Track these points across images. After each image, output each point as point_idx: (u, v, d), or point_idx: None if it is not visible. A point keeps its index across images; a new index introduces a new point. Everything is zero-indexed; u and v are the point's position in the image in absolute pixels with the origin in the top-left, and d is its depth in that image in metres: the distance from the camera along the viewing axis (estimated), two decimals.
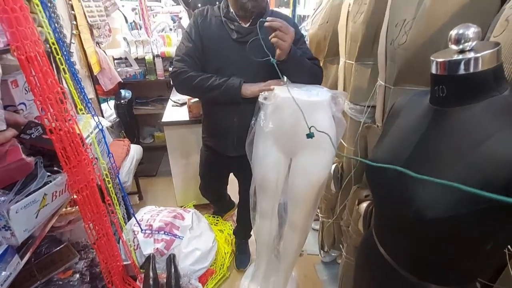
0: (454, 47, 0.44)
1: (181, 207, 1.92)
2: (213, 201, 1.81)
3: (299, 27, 1.25)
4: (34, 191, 0.76)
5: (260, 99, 1.01)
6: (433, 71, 0.47)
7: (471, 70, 0.42)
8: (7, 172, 0.73)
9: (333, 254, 1.63)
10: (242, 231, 1.64)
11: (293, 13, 2.70)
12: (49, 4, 0.96)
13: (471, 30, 0.42)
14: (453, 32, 0.43)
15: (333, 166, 1.34)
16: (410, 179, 0.50)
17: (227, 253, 1.65)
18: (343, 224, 1.34)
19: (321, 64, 1.43)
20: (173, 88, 2.32)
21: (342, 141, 1.26)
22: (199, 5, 1.58)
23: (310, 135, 0.89)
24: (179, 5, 2.53)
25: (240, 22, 1.10)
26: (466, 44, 0.43)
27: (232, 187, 1.62)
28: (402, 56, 0.78)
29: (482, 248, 0.46)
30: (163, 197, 2.17)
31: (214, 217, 1.91)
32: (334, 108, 0.98)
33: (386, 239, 0.61)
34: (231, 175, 1.52)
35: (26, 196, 0.74)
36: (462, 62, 0.43)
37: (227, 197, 1.84)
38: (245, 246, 1.68)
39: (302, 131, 0.99)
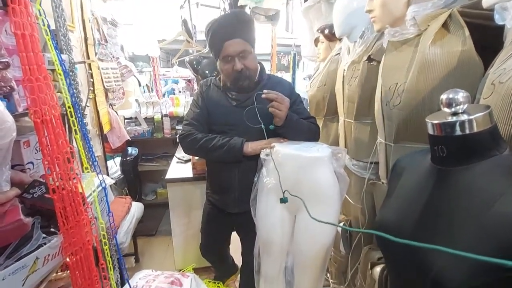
0: (447, 110, 0.46)
1: (180, 270, 1.79)
2: (214, 262, 1.68)
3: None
4: (25, 255, 0.72)
5: (262, 155, 1.04)
6: (430, 132, 0.48)
7: (467, 131, 0.44)
8: (3, 234, 0.71)
9: None
10: None
11: (293, 76, 2.94)
12: (71, 73, 1.06)
13: (460, 95, 0.44)
14: (444, 97, 0.46)
15: (341, 223, 1.28)
16: (426, 241, 0.47)
17: None
18: None
19: (322, 123, 1.51)
20: (179, 145, 2.40)
21: (348, 198, 1.23)
22: (207, 71, 1.74)
23: (283, 200, 0.91)
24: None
25: (236, 93, 1.20)
26: (458, 107, 0.45)
27: (235, 250, 1.53)
28: (398, 116, 0.82)
29: None
30: (161, 258, 2.04)
31: (215, 282, 1.75)
32: (335, 164, 0.99)
33: None
34: (234, 235, 1.45)
35: (17, 260, 0.70)
36: (457, 124, 0.44)
37: (230, 259, 1.72)
38: None
39: (305, 185, 0.98)
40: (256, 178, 1.09)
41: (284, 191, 0.90)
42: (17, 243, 0.74)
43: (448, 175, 0.47)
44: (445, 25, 0.74)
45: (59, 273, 1.11)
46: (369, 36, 1.07)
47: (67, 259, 0.87)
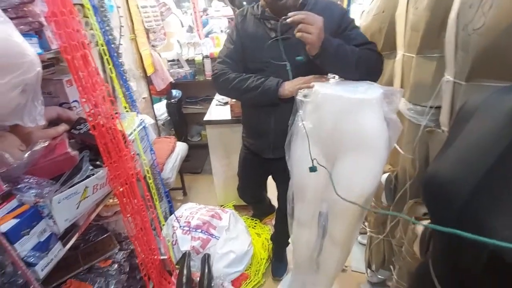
0: None
1: (221, 206, 1.93)
2: (251, 203, 1.77)
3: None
4: (76, 183, 0.80)
5: (299, 97, 0.92)
6: None
7: None
8: (54, 164, 0.79)
9: (380, 277, 1.44)
10: (280, 238, 1.56)
11: (348, 7, 2.51)
12: (101, 9, 1.03)
13: None
14: None
15: (385, 175, 1.17)
16: (485, 208, 0.37)
17: (263, 259, 1.59)
18: (395, 243, 1.17)
19: None
20: None
21: (397, 147, 1.09)
22: (244, 3, 1.55)
23: (312, 169, 0.80)
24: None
25: (278, 19, 1.02)
26: None
27: (273, 191, 1.56)
28: (478, 44, 0.62)
29: None
30: (206, 194, 2.22)
31: (253, 219, 1.87)
32: (387, 108, 0.84)
33: (446, 275, 0.48)
34: (270, 178, 1.45)
35: (69, 187, 0.78)
36: None
37: (267, 201, 1.78)
38: (283, 253, 1.60)
39: (346, 132, 0.87)
40: (290, 121, 1.01)
41: (313, 159, 0.80)
42: (69, 173, 0.83)
43: None
44: None
45: (115, 200, 1.27)
46: None
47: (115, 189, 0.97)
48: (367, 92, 0.86)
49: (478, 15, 0.63)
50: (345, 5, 2.53)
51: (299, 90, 0.95)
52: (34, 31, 0.72)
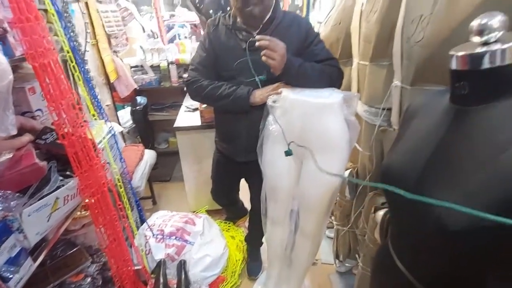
0: (476, 39, 0.40)
1: (194, 212, 1.92)
2: (225, 206, 1.79)
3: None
4: (46, 195, 0.77)
5: (269, 102, 0.99)
6: (453, 66, 0.43)
7: (497, 63, 0.38)
8: (22, 176, 0.75)
9: (348, 265, 1.56)
10: (254, 238, 1.61)
11: (307, 18, 2.68)
12: (65, 14, 0.99)
13: (497, 19, 0.38)
14: (475, 23, 0.39)
15: (347, 171, 1.29)
16: (430, 186, 0.46)
17: (239, 260, 1.62)
18: (359, 232, 1.28)
19: None
20: (187, 93, 2.36)
21: (356, 145, 1.21)
22: (211, 11, 1.60)
23: (288, 153, 0.87)
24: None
25: (249, 30, 1.09)
26: (490, 35, 0.39)
27: (246, 193, 1.60)
28: (419, 54, 0.74)
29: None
30: (177, 201, 2.19)
31: (226, 223, 1.89)
32: (346, 111, 0.94)
33: (403, 251, 0.56)
34: (243, 181, 1.50)
35: (39, 199, 0.75)
36: (487, 55, 0.39)
37: (239, 203, 1.82)
38: (257, 253, 1.65)
39: (312, 133, 0.96)
40: (261, 126, 1.07)
41: (290, 142, 0.88)
42: (37, 184, 0.79)
43: (466, 115, 0.43)
44: None
45: (83, 212, 1.21)
46: None
47: (86, 200, 0.94)
48: (330, 97, 0.95)
49: (418, 30, 0.75)
50: (304, 13, 2.71)
51: (269, 97, 1.02)
52: None
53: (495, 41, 0.39)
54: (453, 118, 0.45)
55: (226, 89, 1.10)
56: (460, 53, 0.41)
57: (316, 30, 1.19)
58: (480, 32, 0.39)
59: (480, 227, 0.38)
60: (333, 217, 1.57)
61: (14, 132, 0.64)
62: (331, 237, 1.73)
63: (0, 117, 0.58)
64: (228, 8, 1.21)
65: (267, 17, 1.08)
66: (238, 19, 1.11)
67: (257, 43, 0.95)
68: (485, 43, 0.39)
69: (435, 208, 0.43)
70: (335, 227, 1.54)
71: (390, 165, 0.57)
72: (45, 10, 0.88)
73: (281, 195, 1.13)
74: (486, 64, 0.39)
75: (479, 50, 0.39)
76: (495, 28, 0.38)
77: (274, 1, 1.08)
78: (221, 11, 1.55)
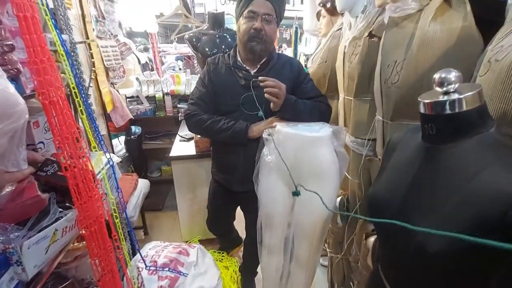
0: (438, 89, 0.48)
1: (187, 242, 1.90)
2: (220, 235, 1.78)
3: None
4: (45, 227, 0.78)
5: (264, 135, 1.06)
6: (422, 111, 0.51)
7: (456, 110, 0.46)
8: (23, 208, 0.77)
9: None
10: (249, 268, 1.59)
11: (295, 51, 2.88)
12: (72, 54, 1.07)
13: (452, 74, 0.46)
14: (436, 76, 0.48)
15: (338, 198, 1.34)
16: (411, 212, 0.51)
17: None
18: (352, 260, 1.30)
19: None
20: (181, 123, 2.42)
21: (346, 174, 1.27)
22: (207, 49, 1.71)
23: (296, 193, 0.94)
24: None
25: (248, 68, 1.19)
26: (449, 86, 0.47)
27: (240, 223, 1.61)
28: (396, 94, 0.83)
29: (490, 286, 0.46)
30: (169, 231, 2.15)
31: (220, 252, 1.86)
32: (336, 143, 1.02)
33: (391, 274, 0.60)
34: (239, 209, 1.52)
35: (38, 232, 0.76)
36: (447, 103, 0.47)
37: (234, 232, 1.82)
38: (252, 284, 1.62)
39: (305, 164, 1.02)
40: (257, 157, 1.13)
41: (297, 185, 0.95)
42: (36, 216, 0.80)
43: (436, 152, 0.50)
44: (447, 0, 0.74)
45: (75, 244, 1.19)
46: (371, 11, 1.05)
47: (83, 231, 0.94)
48: (320, 131, 1.03)
49: (394, 73, 0.85)
50: (292, 46, 2.91)
51: (264, 130, 1.09)
52: (11, 77, 0.74)
53: (454, 91, 0.47)
54: (425, 155, 0.52)
55: (225, 123, 1.17)
56: (426, 100, 0.49)
57: (302, 60, 1.32)
58: (441, 83, 0.47)
59: (456, 248, 0.43)
60: (326, 245, 1.59)
61: (25, 167, 0.67)
62: (325, 265, 1.73)
63: (14, 153, 0.62)
64: (223, 47, 1.32)
65: (265, 58, 1.19)
66: (238, 58, 1.21)
67: (261, 83, 1.06)
68: (446, 93, 0.47)
69: (416, 232, 0.48)
70: (328, 255, 1.55)
71: (376, 194, 0.62)
72: (55, 51, 0.95)
73: (276, 222, 1.16)
74: (447, 110, 0.46)
75: (441, 98, 0.47)
76: (453, 81, 0.46)
77: (273, 47, 1.21)
78: (215, 49, 1.68)
